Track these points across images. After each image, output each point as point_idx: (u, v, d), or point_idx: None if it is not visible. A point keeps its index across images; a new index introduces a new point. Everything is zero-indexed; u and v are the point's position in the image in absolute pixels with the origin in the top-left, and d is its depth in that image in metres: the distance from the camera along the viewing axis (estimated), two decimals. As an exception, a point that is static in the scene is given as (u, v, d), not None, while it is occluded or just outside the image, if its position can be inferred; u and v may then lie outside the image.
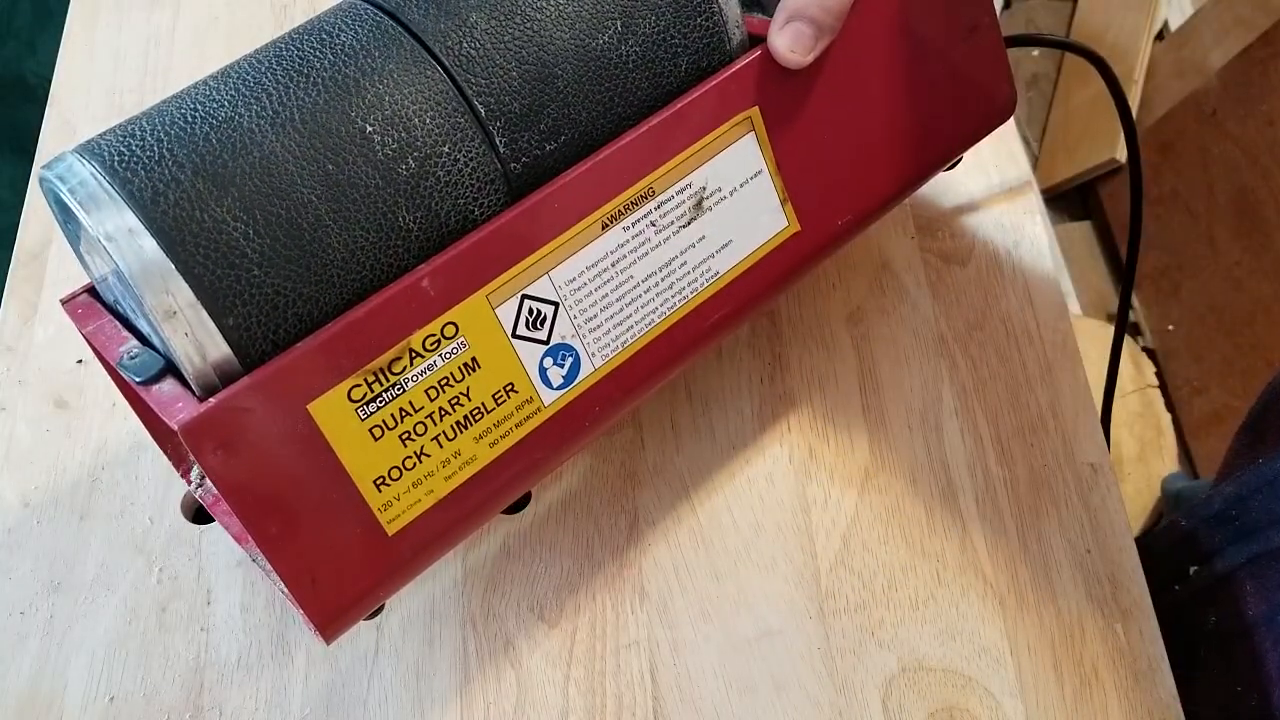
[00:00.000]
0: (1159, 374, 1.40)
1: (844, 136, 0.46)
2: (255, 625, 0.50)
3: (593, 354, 0.41)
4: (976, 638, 0.49)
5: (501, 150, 0.39)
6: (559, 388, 0.40)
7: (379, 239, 0.37)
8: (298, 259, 0.35)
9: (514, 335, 0.39)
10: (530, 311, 0.39)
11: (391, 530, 0.38)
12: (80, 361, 0.58)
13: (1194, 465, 1.31)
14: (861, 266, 0.60)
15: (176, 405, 0.34)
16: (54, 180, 0.35)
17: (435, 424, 0.38)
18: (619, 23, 0.40)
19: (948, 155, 0.51)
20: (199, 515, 0.53)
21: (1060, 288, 0.60)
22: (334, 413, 0.36)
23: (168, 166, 0.34)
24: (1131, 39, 1.54)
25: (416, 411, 0.37)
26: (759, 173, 0.44)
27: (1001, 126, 0.53)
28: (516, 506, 0.46)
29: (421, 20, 0.38)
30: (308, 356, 0.35)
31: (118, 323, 0.39)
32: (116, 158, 0.34)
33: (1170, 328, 1.39)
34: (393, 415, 0.37)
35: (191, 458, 0.40)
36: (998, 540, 0.51)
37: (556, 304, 0.40)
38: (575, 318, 0.40)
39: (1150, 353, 1.42)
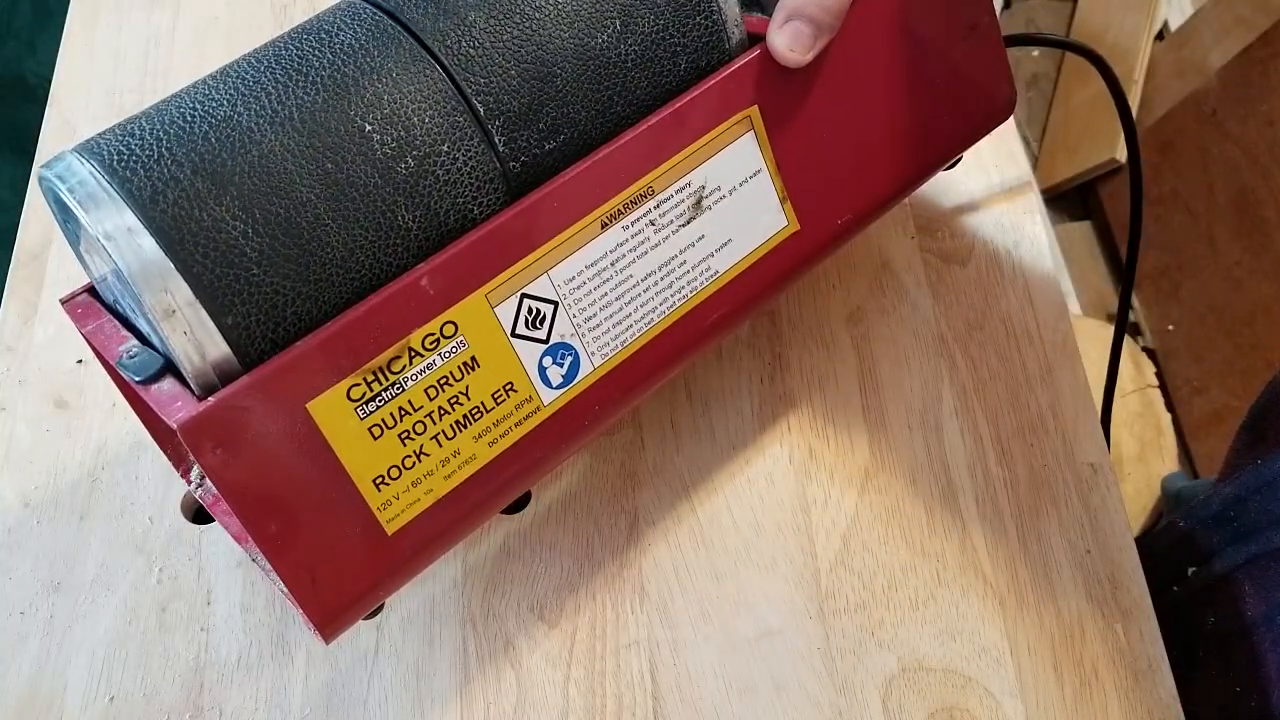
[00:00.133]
0: (1159, 374, 1.40)
1: (843, 135, 0.46)
2: (255, 625, 0.50)
3: (592, 353, 0.41)
4: (976, 638, 0.49)
5: (500, 149, 0.39)
6: (558, 387, 0.40)
7: (378, 238, 0.37)
8: (297, 258, 0.35)
9: (513, 334, 0.39)
10: (529, 311, 0.39)
11: (391, 529, 0.38)
12: (80, 361, 0.58)
13: (1194, 465, 1.31)
14: (861, 266, 0.60)
15: (175, 404, 0.34)
16: (53, 179, 0.35)
17: (434, 423, 0.38)
18: (618, 21, 0.40)
19: (947, 155, 0.51)
20: (199, 515, 0.53)
21: (1060, 288, 0.60)
22: (333, 412, 0.36)
23: (167, 165, 0.34)
24: (1131, 39, 1.54)
25: (416, 411, 0.37)
26: (758, 172, 0.44)
27: (1001, 126, 0.53)
28: (516, 506, 0.46)
29: (420, 19, 0.38)
30: (307, 355, 0.35)
31: (117, 322, 0.39)
32: (115, 157, 0.34)
33: (1170, 328, 1.39)
34: (392, 414, 0.37)
35: (191, 457, 0.40)
36: (998, 540, 0.51)
37: (556, 303, 0.40)
38: (574, 317, 0.40)
39: (1150, 353, 1.42)
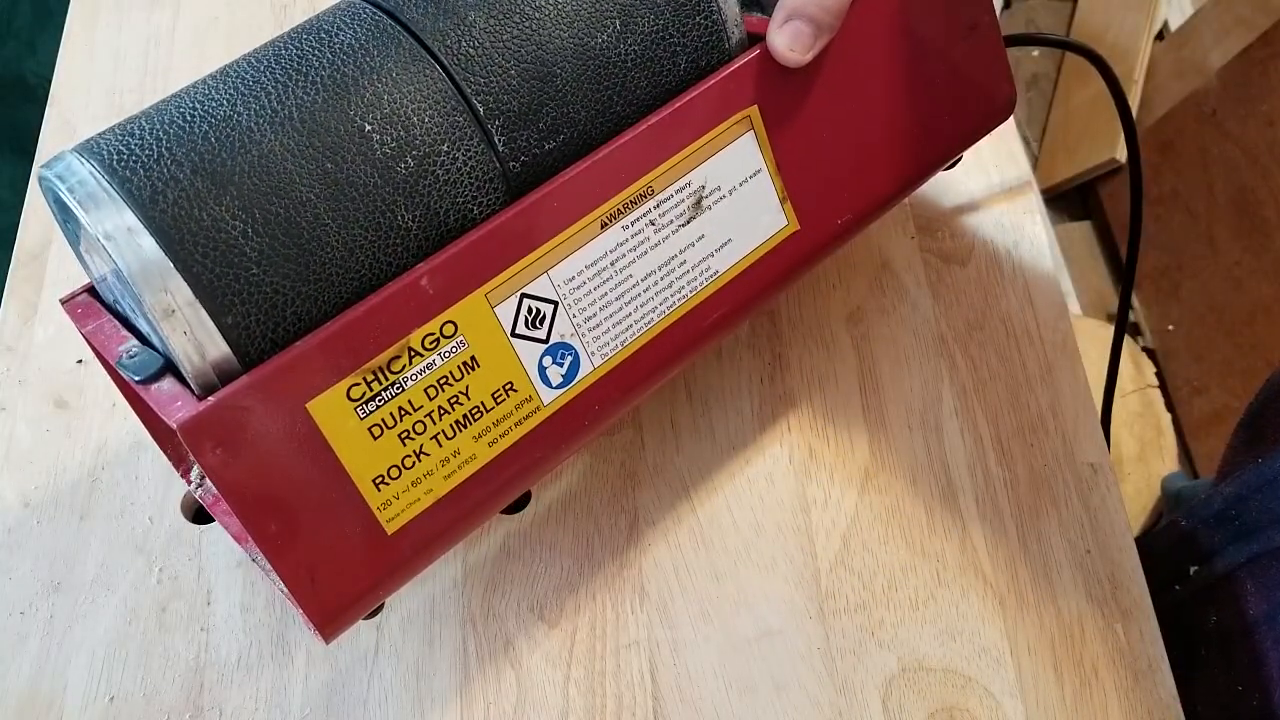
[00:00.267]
0: (1159, 374, 1.40)
1: (843, 135, 0.46)
2: (255, 625, 0.50)
3: (592, 353, 0.41)
4: (976, 638, 0.49)
5: (500, 149, 0.39)
6: (558, 387, 0.40)
7: (378, 238, 0.37)
8: (296, 258, 0.35)
9: (513, 334, 0.39)
10: (529, 310, 0.39)
11: (391, 529, 0.37)
12: (80, 361, 0.58)
13: (1194, 465, 1.31)
14: (861, 266, 0.60)
15: (175, 404, 0.34)
16: (53, 179, 0.35)
17: (434, 423, 0.38)
18: (618, 21, 0.40)
19: (947, 154, 0.51)
20: (199, 515, 0.53)
21: (1060, 288, 0.60)
22: (333, 411, 0.36)
23: (166, 165, 0.34)
24: (1131, 39, 1.54)
25: (415, 410, 0.37)
26: (758, 171, 0.44)
27: (1001, 126, 0.53)
28: (516, 506, 0.46)
29: (420, 19, 0.38)
30: (307, 355, 0.35)
31: (117, 322, 0.39)
32: (115, 157, 0.34)
33: (1170, 328, 1.39)
34: (392, 414, 0.37)
35: (191, 457, 0.40)
36: (998, 540, 0.51)
37: (556, 303, 0.40)
38: (574, 317, 0.40)
39: (1150, 353, 1.42)
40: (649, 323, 0.42)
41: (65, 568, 0.51)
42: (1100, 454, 0.54)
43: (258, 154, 0.35)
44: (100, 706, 0.48)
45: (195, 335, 0.34)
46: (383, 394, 0.36)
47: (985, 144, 0.61)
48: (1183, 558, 0.57)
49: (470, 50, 0.38)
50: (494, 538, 0.52)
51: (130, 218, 0.33)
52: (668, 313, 0.42)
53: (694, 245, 0.43)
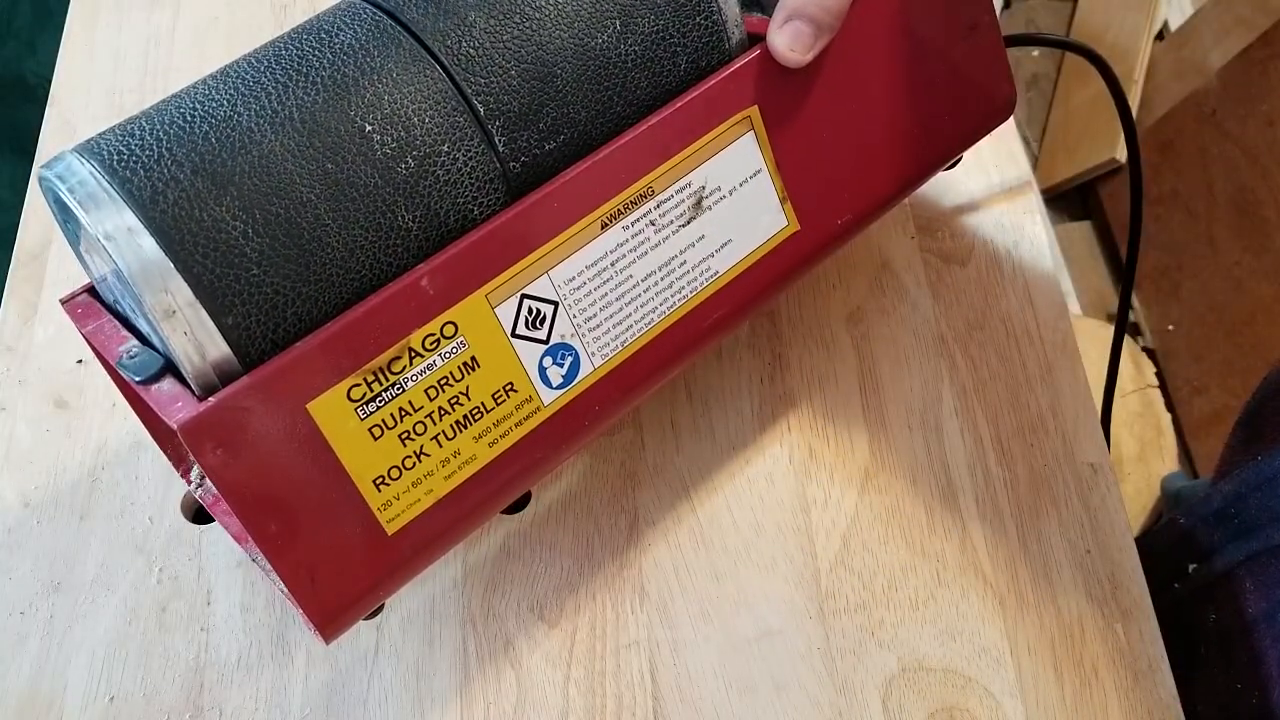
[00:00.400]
0: (1159, 374, 1.40)
1: (843, 135, 0.46)
2: (255, 625, 0.50)
3: (592, 353, 0.41)
4: (976, 638, 0.49)
5: (501, 149, 0.39)
6: (558, 387, 0.40)
7: (378, 238, 0.37)
8: (297, 258, 0.35)
9: (513, 335, 0.39)
10: (530, 311, 0.39)
11: (391, 530, 0.38)
12: (80, 361, 0.58)
13: (1194, 465, 1.31)
14: (861, 266, 0.60)
15: (176, 405, 0.34)
16: (53, 180, 0.35)
17: (435, 423, 0.38)
18: (618, 22, 0.40)
19: (947, 155, 0.51)
20: (199, 515, 0.53)
21: (1060, 288, 0.60)
22: (333, 412, 0.36)
23: (167, 166, 0.34)
24: (1131, 39, 1.54)
25: (416, 411, 0.37)
26: (758, 172, 0.44)
27: (1001, 126, 0.53)
28: (516, 506, 0.46)
29: (420, 19, 0.38)
30: (307, 356, 0.35)
31: (117, 322, 0.39)
32: (115, 157, 0.34)
33: (1170, 328, 1.39)
34: (392, 415, 0.37)
35: (191, 457, 0.40)
36: (998, 540, 0.51)
37: (556, 303, 0.40)
38: (575, 317, 0.40)
39: (1150, 353, 1.42)
40: (649, 323, 0.42)
41: (65, 568, 0.51)
42: (1100, 454, 0.54)
43: (258, 154, 0.35)
44: (100, 706, 0.48)
45: (195, 336, 0.34)
46: (383, 395, 0.36)
47: (985, 144, 0.61)
48: (1182, 556, 0.57)
49: (471, 51, 0.38)
50: (494, 538, 0.52)
51: (130, 218, 0.33)
52: (668, 313, 0.42)
53: (694, 246, 0.43)
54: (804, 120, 0.44)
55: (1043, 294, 0.59)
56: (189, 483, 0.49)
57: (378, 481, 0.37)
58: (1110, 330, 1.26)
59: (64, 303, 0.41)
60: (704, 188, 0.42)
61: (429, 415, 0.38)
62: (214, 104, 0.36)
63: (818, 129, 0.45)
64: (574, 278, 0.40)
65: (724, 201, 0.43)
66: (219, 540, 0.52)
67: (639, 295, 0.42)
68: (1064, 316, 0.58)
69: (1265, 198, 1.25)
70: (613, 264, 0.41)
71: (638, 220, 0.41)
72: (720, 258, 0.43)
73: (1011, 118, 0.54)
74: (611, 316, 0.41)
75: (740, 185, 0.43)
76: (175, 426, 0.33)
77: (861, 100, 0.46)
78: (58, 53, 0.72)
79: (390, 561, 0.38)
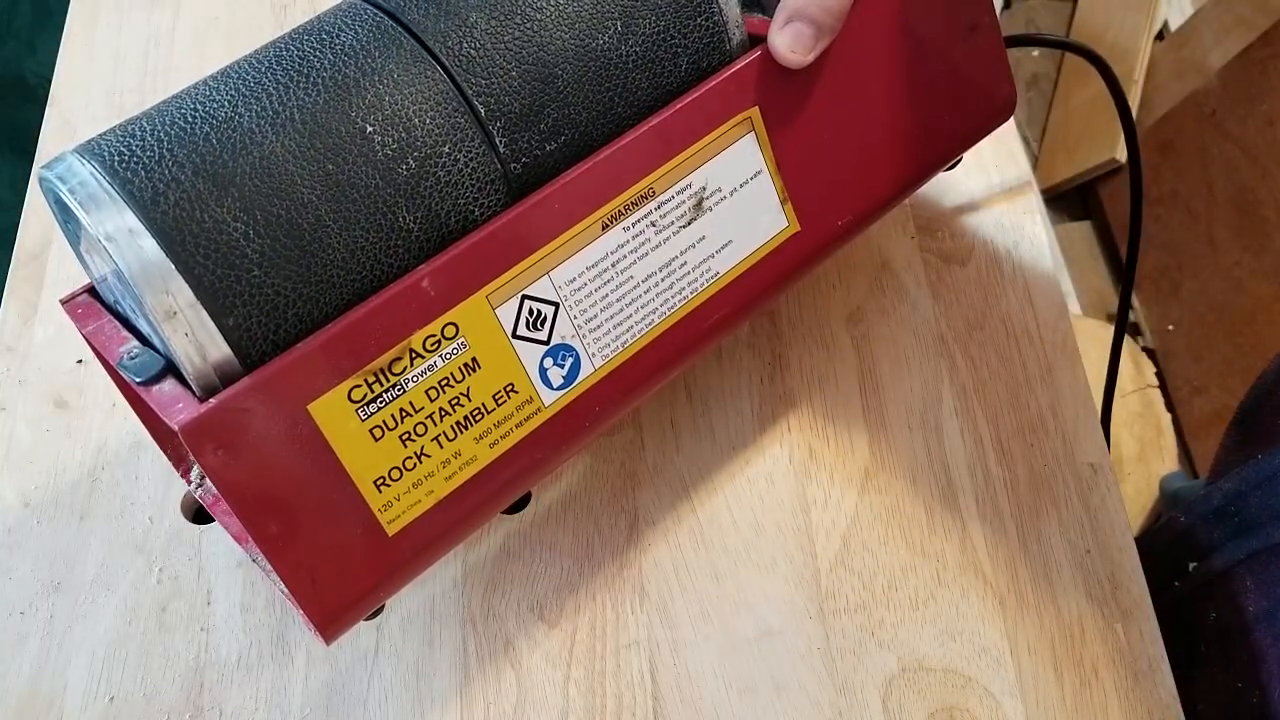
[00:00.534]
0: (1159, 374, 1.40)
1: (844, 136, 0.46)
2: (255, 625, 0.50)
3: (593, 354, 0.41)
4: (976, 638, 0.49)
5: (502, 150, 0.39)
6: (559, 388, 0.40)
7: (379, 239, 0.37)
8: (298, 259, 0.35)
9: (514, 336, 0.39)
10: (530, 312, 0.39)
11: (392, 531, 0.38)
12: (80, 361, 0.58)
13: (1194, 465, 1.31)
14: (861, 266, 0.60)
15: (177, 406, 0.34)
16: (54, 180, 0.35)
17: (435, 424, 0.38)
18: (619, 23, 0.40)
19: (948, 155, 0.51)
20: (199, 515, 0.53)
21: (1060, 288, 0.60)
22: (334, 413, 0.36)
23: (168, 167, 0.34)
24: (1131, 39, 1.54)
25: (417, 412, 0.37)
26: (759, 173, 0.44)
27: (1001, 126, 0.53)
28: (516, 506, 0.46)
29: (421, 20, 0.38)
30: (308, 357, 0.35)
31: (118, 323, 0.39)
32: (117, 158, 0.34)
33: (1170, 328, 1.39)
34: (393, 416, 0.37)
35: (191, 458, 0.40)
36: (998, 540, 0.51)
37: (557, 304, 0.40)
38: (575, 318, 0.40)
39: (1150, 353, 1.42)
40: (650, 324, 0.42)
41: (65, 568, 0.51)
42: (1100, 454, 0.54)
43: (259, 155, 0.35)
44: (100, 706, 0.48)
45: (196, 337, 0.34)
46: (384, 395, 0.36)
47: (985, 144, 0.61)
48: (1181, 555, 0.57)
49: (472, 52, 0.38)
50: (494, 538, 0.52)
51: (131, 219, 0.33)
52: (668, 314, 0.43)
53: (695, 246, 0.43)
54: (804, 121, 0.44)
55: (1043, 294, 0.59)
56: (189, 483, 0.49)
57: (378, 482, 0.37)
58: (1110, 330, 1.26)
59: (64, 303, 0.41)
60: (704, 189, 0.42)
61: (430, 416, 0.38)
62: (215, 105, 0.36)
63: (818, 130, 0.45)
64: (575, 279, 0.40)
65: (724, 202, 0.43)
66: (219, 540, 0.52)
67: (640, 296, 0.42)
68: (1064, 316, 0.58)
69: (1265, 198, 1.25)
70: (613, 265, 0.41)
71: (638, 221, 0.41)
72: (721, 259, 0.43)
73: (1011, 118, 0.54)
74: (612, 317, 0.41)
75: (741, 186, 0.43)
76: (176, 428, 0.33)
77: (862, 101, 0.46)
78: (58, 53, 0.72)
79: (391, 562, 0.38)
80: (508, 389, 0.39)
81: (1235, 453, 0.63)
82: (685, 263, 0.42)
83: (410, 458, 0.37)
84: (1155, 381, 1.39)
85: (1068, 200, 1.59)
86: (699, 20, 0.42)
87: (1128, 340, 1.41)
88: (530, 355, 0.40)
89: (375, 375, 0.36)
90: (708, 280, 0.43)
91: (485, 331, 0.38)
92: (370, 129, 0.36)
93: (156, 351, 0.36)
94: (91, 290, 0.41)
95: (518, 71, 0.39)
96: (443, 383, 0.38)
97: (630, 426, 0.55)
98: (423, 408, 0.37)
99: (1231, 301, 1.28)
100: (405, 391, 0.37)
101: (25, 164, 0.67)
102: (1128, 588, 0.50)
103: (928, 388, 0.56)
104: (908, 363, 0.57)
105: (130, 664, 0.49)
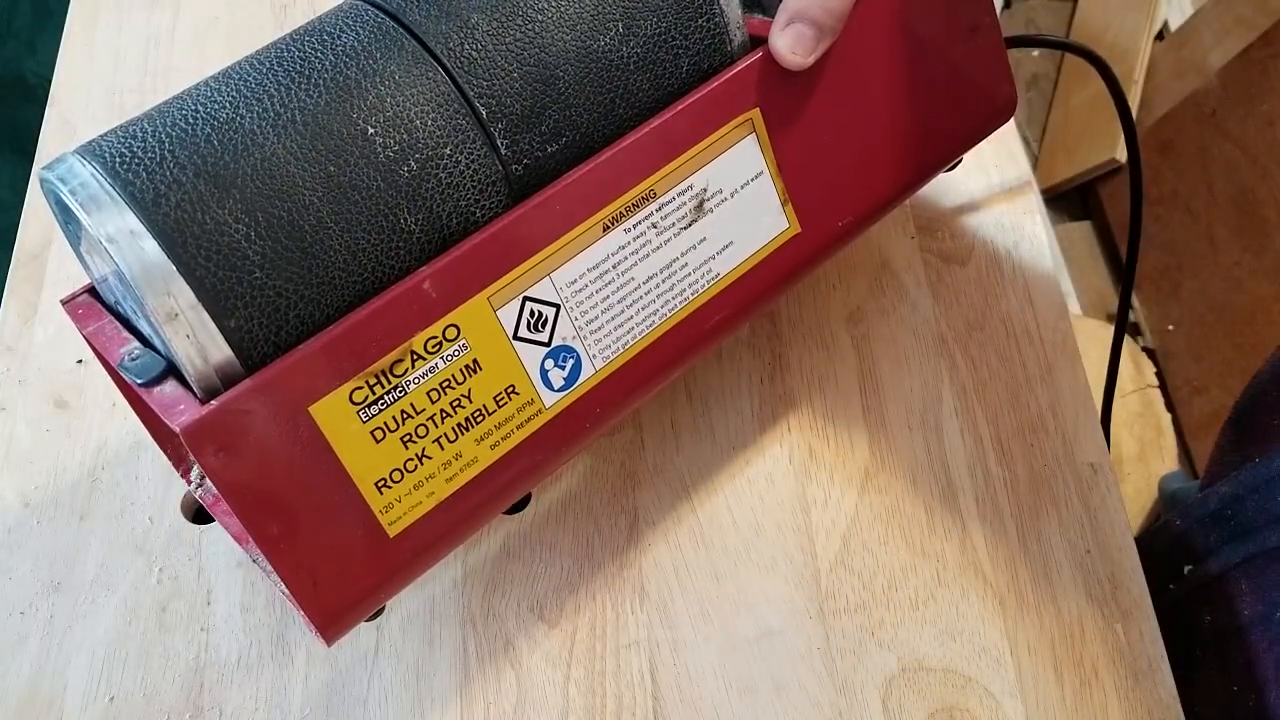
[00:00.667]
0: (1159, 374, 1.40)
1: (845, 138, 0.46)
2: (255, 625, 0.50)
3: (594, 356, 0.41)
4: (976, 638, 0.49)
5: (503, 152, 0.39)
6: (560, 390, 0.41)
7: (380, 241, 0.37)
8: (299, 261, 0.35)
9: (515, 337, 0.39)
10: (531, 313, 0.39)
11: (393, 532, 0.38)
12: (80, 361, 0.58)
13: (1194, 465, 1.31)
14: (861, 266, 0.60)
15: (178, 407, 0.34)
16: (55, 182, 0.35)
17: (437, 426, 0.38)
18: (620, 24, 0.40)
19: (948, 156, 0.51)
20: (199, 515, 0.53)
21: (1060, 288, 0.60)
22: (336, 415, 0.36)
23: (169, 168, 0.34)
24: (1131, 39, 1.54)
25: (418, 414, 0.37)
26: (760, 174, 0.44)
27: (1001, 126, 0.53)
28: (517, 507, 0.46)
29: (423, 21, 0.38)
30: (309, 359, 0.35)
31: (118, 323, 0.39)
32: (118, 159, 0.34)
33: (1170, 328, 1.39)
34: (394, 417, 0.37)
35: (192, 458, 0.40)
36: (998, 540, 0.52)
37: (558, 306, 0.40)
38: (576, 319, 0.40)
39: (1150, 353, 1.42)
40: (650, 325, 0.42)
41: (65, 568, 0.51)
42: (1100, 454, 0.54)
43: (260, 157, 0.35)
44: (100, 706, 0.48)
45: (198, 338, 0.34)
46: (385, 397, 0.36)
47: (985, 144, 0.61)
48: (1178, 557, 0.57)
49: (473, 53, 0.38)
50: (494, 538, 0.52)
51: (133, 220, 0.33)
52: (669, 315, 0.43)
53: (695, 248, 0.43)
54: (805, 123, 0.44)
55: (1043, 294, 0.59)
56: (189, 483, 0.49)
57: (379, 484, 0.37)
58: (1110, 330, 1.26)
59: (65, 303, 0.41)
60: (705, 190, 0.42)
61: (431, 418, 0.38)
62: (216, 106, 0.36)
63: (819, 131, 0.45)
64: (576, 280, 0.40)
65: (725, 204, 0.43)
66: (219, 540, 0.52)
67: (640, 298, 0.42)
68: (1064, 316, 0.58)
69: (1265, 198, 1.25)
70: (614, 266, 0.41)
71: (640, 223, 0.41)
72: (721, 260, 0.43)
73: (1011, 118, 0.54)
74: (613, 319, 0.41)
75: (742, 188, 0.43)
76: (178, 430, 0.33)
77: (863, 103, 0.46)
78: (58, 53, 0.72)
79: (392, 564, 0.38)
80: (509, 391, 0.39)
81: (1230, 453, 0.63)
82: (686, 264, 0.43)
83: (411, 459, 0.37)
84: (1155, 381, 1.39)
85: (1068, 200, 1.59)
86: (700, 22, 0.42)
87: (1128, 340, 1.41)
88: (531, 357, 0.40)
89: (376, 377, 0.36)
90: (709, 282, 0.43)
91: (486, 333, 0.38)
92: (372, 130, 0.36)
93: (157, 352, 0.36)
94: (92, 291, 0.41)
95: (519, 73, 0.39)
96: (444, 384, 0.38)
97: (630, 426, 0.55)
98: (424, 409, 0.37)
99: (1231, 301, 1.29)
100: (406, 393, 0.37)
101: (25, 164, 0.67)
102: (1128, 588, 0.50)
103: (928, 388, 0.56)
104: (908, 363, 0.57)
105: (130, 664, 0.49)
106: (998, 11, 0.51)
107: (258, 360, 0.35)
